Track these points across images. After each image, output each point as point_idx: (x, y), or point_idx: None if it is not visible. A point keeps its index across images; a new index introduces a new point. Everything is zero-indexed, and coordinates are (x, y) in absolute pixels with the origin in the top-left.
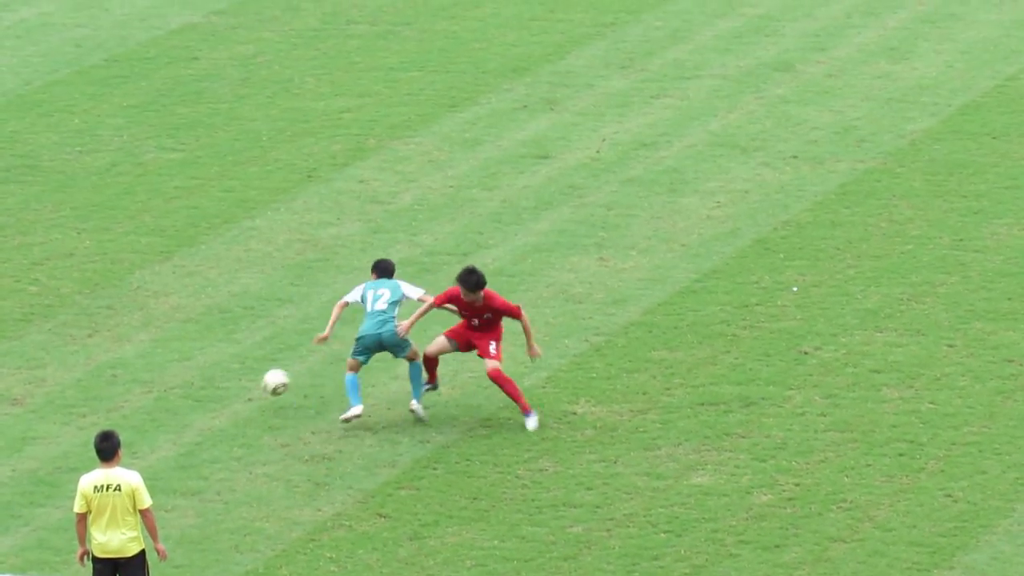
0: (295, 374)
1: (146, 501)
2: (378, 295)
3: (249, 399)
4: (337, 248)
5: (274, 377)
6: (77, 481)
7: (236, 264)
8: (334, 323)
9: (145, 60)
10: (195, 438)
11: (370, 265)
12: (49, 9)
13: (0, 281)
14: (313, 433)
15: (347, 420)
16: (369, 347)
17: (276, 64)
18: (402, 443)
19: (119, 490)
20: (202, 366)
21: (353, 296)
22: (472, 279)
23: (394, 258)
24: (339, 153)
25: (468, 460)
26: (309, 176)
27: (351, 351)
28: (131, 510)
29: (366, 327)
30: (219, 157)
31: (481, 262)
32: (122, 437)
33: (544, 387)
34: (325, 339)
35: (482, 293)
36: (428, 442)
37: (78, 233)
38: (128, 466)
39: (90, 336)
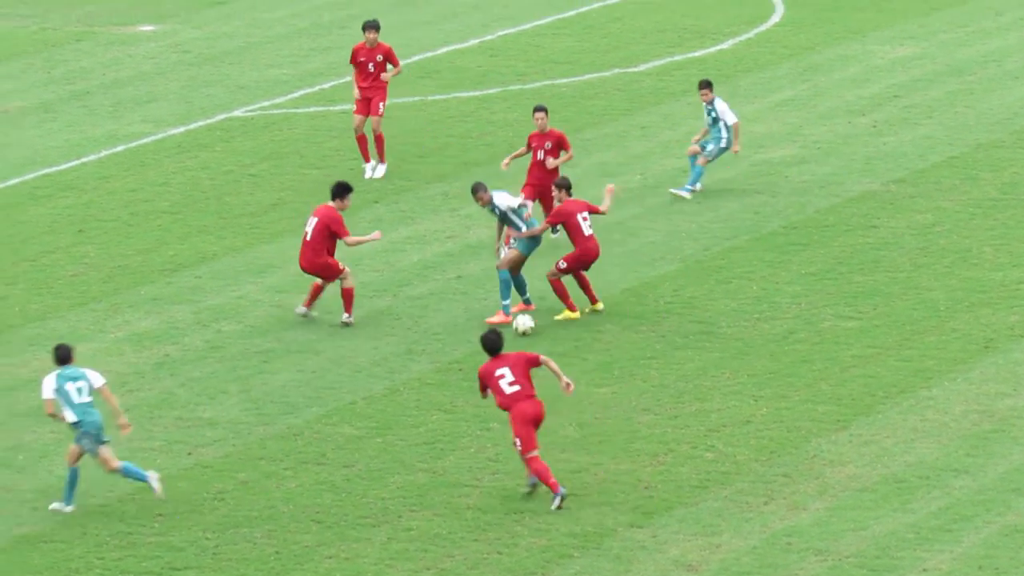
0: (969, 546)
1: None
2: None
3: (924, 569)
4: (1014, 420)
5: (524, 322)
6: None
7: (912, 434)
8: None
9: (823, 228)
10: None
11: None
12: (728, 176)
13: (677, 447)
14: None
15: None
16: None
17: (954, 234)
18: None
19: None
20: (877, 535)
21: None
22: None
23: None
24: (1017, 324)
25: None
26: (986, 346)
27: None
28: None
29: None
30: (897, 326)
31: None
32: None
33: None
34: None
35: None
36: None
37: (755, 400)
38: None
39: (766, 504)
